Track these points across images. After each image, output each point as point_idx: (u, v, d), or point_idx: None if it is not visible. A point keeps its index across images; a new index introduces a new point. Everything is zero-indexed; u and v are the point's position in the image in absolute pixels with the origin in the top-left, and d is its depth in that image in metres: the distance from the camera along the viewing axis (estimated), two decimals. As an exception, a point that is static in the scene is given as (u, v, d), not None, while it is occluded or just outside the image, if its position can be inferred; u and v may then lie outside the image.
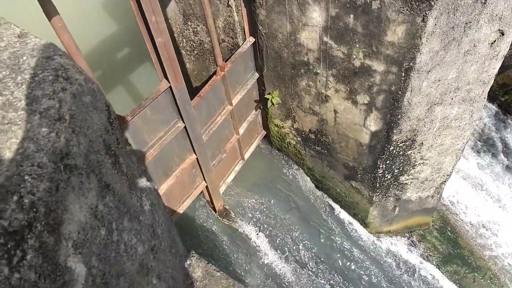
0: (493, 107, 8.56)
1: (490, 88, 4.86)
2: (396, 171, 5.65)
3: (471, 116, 5.11)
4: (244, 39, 5.61)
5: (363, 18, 4.09)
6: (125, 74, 8.34)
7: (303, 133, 6.34)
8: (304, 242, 6.69)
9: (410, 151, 5.32)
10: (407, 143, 5.15)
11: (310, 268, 6.53)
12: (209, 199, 6.49)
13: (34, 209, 1.23)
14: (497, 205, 7.49)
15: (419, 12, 3.66)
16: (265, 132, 7.16)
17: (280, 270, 6.44)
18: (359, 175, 6.02)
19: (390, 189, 6.01)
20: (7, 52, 1.60)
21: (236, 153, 6.71)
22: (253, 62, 5.89)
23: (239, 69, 5.69)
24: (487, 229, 7.25)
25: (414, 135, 5.05)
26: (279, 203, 6.93)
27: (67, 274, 1.36)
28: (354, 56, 4.53)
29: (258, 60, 5.78)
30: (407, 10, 3.73)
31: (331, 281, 6.48)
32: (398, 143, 5.11)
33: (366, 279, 6.61)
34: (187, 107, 4.81)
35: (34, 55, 1.60)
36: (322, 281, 6.47)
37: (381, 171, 5.61)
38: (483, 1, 3.70)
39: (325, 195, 7.17)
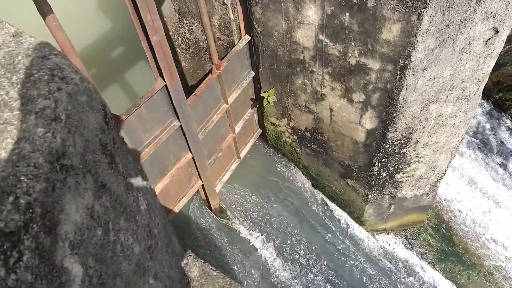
0: (488, 105, 8.62)
1: (484, 86, 4.89)
2: (391, 169, 5.66)
3: (466, 114, 5.13)
4: (240, 37, 5.60)
5: (359, 16, 4.10)
6: (121, 73, 8.30)
7: (299, 131, 6.35)
8: (300, 240, 6.71)
9: (405, 149, 5.34)
10: (402, 141, 5.17)
11: (306, 266, 6.55)
12: (205, 198, 6.49)
13: (30, 210, 1.23)
14: (492, 202, 7.54)
15: (414, 10, 3.67)
16: (261, 131, 7.16)
17: (276, 268, 6.46)
18: (355, 173, 6.04)
19: (386, 187, 6.03)
20: (2, 52, 1.58)
21: (232, 151, 6.71)
22: (249, 61, 5.89)
23: (234, 68, 5.68)
24: (481, 227, 7.30)
25: (409, 133, 5.07)
26: (275, 201, 6.94)
27: (64, 275, 1.35)
28: (350, 54, 4.54)
29: (254, 59, 5.77)
30: (402, 8, 3.74)
31: (327, 279, 6.51)
32: (394, 141, 5.13)
33: (362, 276, 6.64)
34: (182, 105, 4.80)
35: (29, 55, 1.58)
36: (318, 279, 6.49)
37: (377, 169, 5.63)
38: (478, -1, 3.72)
39: (321, 193, 7.19)
